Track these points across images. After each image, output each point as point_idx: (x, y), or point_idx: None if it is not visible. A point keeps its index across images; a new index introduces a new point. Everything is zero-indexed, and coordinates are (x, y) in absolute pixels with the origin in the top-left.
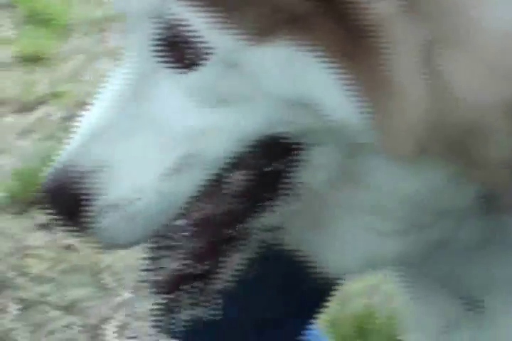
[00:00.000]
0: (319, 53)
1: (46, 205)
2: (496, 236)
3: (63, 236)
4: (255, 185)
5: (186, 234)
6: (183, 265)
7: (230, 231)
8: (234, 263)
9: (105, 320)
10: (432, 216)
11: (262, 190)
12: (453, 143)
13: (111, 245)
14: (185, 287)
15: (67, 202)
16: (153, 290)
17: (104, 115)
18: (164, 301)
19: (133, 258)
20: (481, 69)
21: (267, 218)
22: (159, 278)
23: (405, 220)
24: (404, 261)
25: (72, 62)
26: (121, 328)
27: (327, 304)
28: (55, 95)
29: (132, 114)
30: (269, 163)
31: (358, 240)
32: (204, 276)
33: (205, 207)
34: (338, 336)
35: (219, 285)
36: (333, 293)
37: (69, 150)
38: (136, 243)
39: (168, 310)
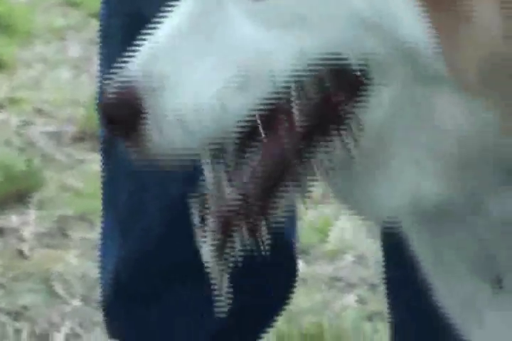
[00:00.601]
0: None
1: (106, 119)
2: None
3: (14, 243)
4: (314, 119)
5: (244, 165)
6: (242, 196)
7: (285, 168)
8: (287, 202)
9: (54, 327)
10: (480, 162)
11: (320, 124)
12: None
13: (167, 158)
14: (240, 224)
15: (124, 115)
16: (210, 230)
17: (169, 33)
18: (220, 239)
19: (84, 267)
20: None
21: (324, 155)
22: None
23: (455, 160)
24: (445, 211)
25: (31, 69)
26: (70, 336)
27: (275, 321)
28: (13, 101)
29: (197, 33)
30: (329, 95)
31: (407, 178)
32: (259, 213)
33: (262, 138)
34: None
35: (270, 223)
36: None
37: (132, 65)
38: (192, 156)
39: (223, 248)
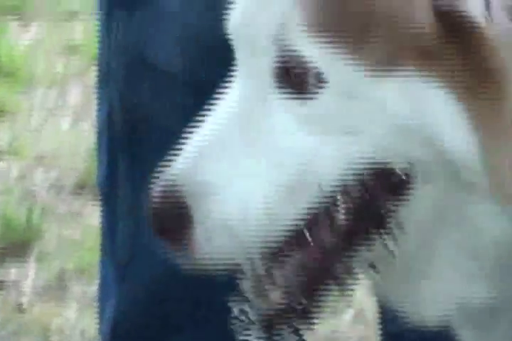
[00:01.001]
0: (443, 85)
1: (153, 223)
2: None
3: (14, 296)
4: (357, 220)
5: (288, 268)
6: (286, 298)
7: (330, 266)
8: (329, 299)
9: None
10: None
11: (363, 225)
12: None
13: (214, 266)
14: (287, 320)
15: (172, 222)
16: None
17: (213, 136)
18: (268, 333)
19: (83, 321)
20: None
21: (365, 255)
22: (263, 311)
23: (496, 263)
24: (488, 312)
25: (32, 116)
26: None
27: None
28: (14, 150)
29: (242, 136)
30: (372, 196)
31: (449, 279)
32: (304, 310)
33: (306, 242)
34: None
35: (315, 318)
36: None
37: (178, 169)
38: (238, 264)
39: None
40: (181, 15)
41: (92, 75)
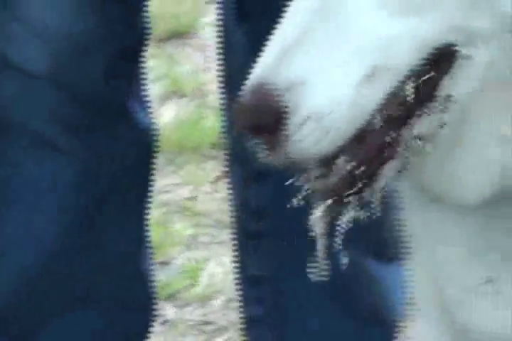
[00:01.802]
0: None
1: (244, 124)
2: None
3: None
4: (422, 97)
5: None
6: (350, 169)
7: (388, 137)
8: (390, 170)
9: None
10: None
11: (419, 99)
12: None
13: (302, 157)
14: (350, 190)
15: (265, 118)
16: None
17: (295, 30)
18: (331, 205)
19: None
20: None
21: (419, 128)
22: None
23: None
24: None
25: None
26: None
27: None
28: None
29: (323, 25)
30: (427, 72)
31: (492, 154)
32: (367, 179)
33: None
34: None
35: (376, 188)
36: None
37: (263, 67)
38: (326, 154)
39: (334, 213)
40: (44, 14)
41: None
